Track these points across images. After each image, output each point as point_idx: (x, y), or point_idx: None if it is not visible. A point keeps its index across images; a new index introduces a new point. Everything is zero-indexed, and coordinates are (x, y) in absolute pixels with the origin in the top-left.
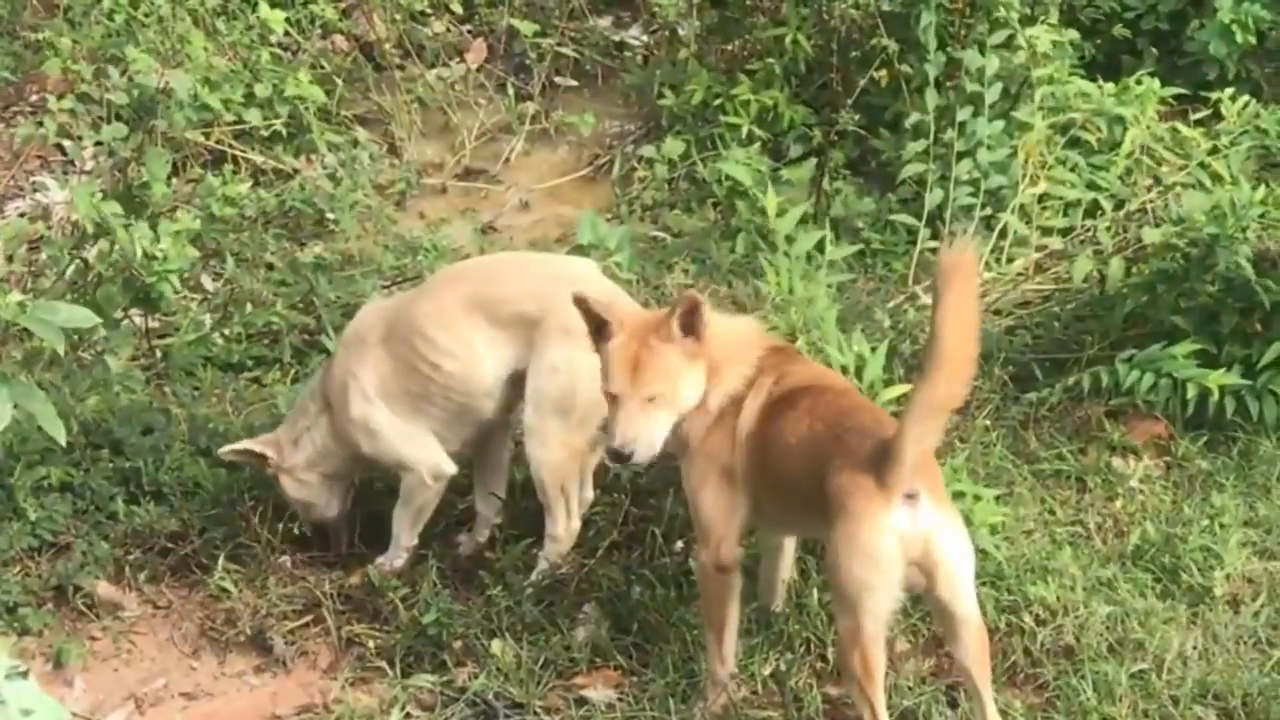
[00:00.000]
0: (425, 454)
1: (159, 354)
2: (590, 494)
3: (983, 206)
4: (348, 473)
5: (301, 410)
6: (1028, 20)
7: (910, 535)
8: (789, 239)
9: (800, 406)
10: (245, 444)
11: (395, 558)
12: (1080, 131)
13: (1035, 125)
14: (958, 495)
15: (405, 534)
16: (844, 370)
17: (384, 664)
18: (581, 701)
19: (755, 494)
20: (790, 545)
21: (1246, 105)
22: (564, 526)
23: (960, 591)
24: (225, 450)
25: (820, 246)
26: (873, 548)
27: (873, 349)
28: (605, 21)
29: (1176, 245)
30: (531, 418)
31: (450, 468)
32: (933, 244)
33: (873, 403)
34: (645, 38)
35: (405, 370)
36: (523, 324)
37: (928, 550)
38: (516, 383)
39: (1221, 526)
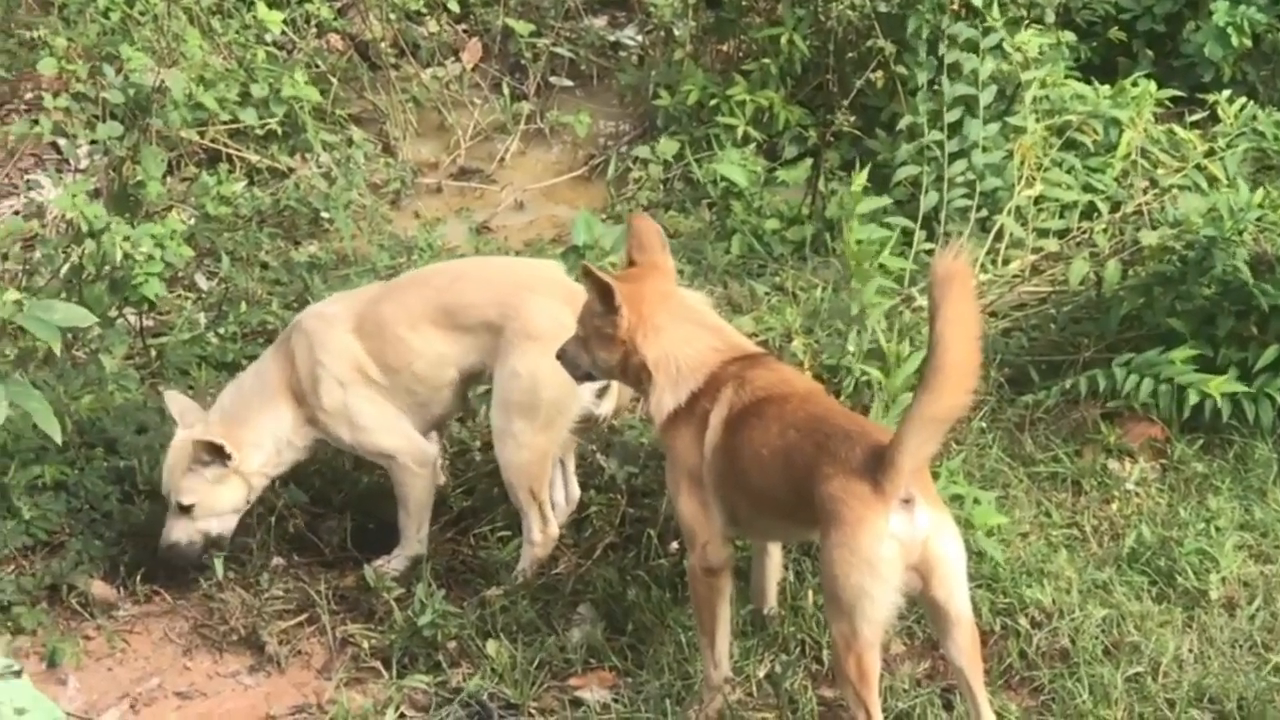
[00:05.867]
0: (405, 440)
1: (154, 353)
2: (577, 492)
3: (978, 209)
4: (280, 475)
5: (251, 408)
6: (1013, 24)
7: (909, 540)
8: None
9: (767, 415)
10: (210, 436)
11: (399, 561)
12: (1076, 134)
13: (1030, 127)
14: (955, 498)
15: (412, 536)
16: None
17: (379, 664)
18: (577, 702)
19: (728, 502)
20: (778, 548)
21: (1244, 107)
22: (539, 532)
23: (956, 593)
24: (193, 435)
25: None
26: (871, 554)
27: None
28: (601, 21)
29: (1173, 248)
30: (498, 421)
31: (432, 449)
32: (928, 245)
33: (841, 404)
34: (641, 38)
35: (375, 363)
36: (486, 330)
37: (926, 554)
38: (472, 380)
39: (1217, 530)
